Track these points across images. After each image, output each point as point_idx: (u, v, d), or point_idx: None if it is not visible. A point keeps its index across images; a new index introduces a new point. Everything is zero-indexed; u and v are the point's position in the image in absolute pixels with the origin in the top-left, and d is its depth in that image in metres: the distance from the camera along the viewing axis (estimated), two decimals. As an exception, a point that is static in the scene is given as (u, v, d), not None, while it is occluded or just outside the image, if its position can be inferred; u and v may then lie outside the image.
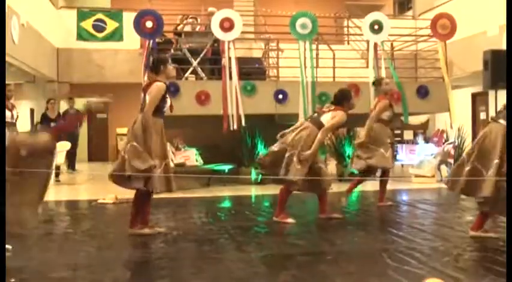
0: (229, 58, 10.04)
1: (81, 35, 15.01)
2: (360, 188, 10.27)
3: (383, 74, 10.61)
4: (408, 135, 15.51)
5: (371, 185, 9.92)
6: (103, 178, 7.18)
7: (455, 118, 11.01)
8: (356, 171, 11.14)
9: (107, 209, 7.89)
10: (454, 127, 11.26)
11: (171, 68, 5.88)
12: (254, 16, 15.09)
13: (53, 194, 10.10)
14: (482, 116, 16.39)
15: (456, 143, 11.52)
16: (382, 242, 5.41)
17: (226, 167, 10.85)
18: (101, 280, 4.16)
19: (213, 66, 11.02)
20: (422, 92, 11.25)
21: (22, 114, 13.04)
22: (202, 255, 4.91)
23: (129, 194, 8.71)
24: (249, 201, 9.05)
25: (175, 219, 6.73)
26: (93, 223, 6.81)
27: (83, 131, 19.87)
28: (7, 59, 10.82)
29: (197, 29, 11.61)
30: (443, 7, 14.00)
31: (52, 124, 12.33)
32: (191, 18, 11.62)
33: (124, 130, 18.40)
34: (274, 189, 9.87)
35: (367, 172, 7.85)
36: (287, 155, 6.21)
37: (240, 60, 10.57)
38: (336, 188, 10.55)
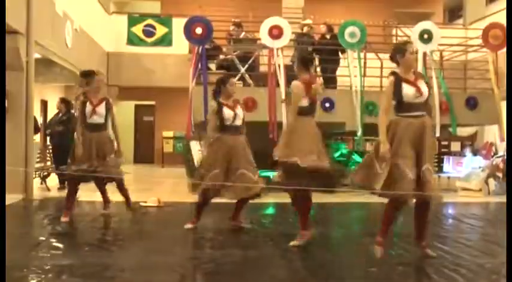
0: (278, 65, 10.10)
1: (131, 40, 15.37)
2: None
3: (432, 83, 10.48)
4: (455, 146, 15.22)
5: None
6: (147, 180, 7.33)
7: (505, 131, 10.77)
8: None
9: (150, 212, 8.02)
10: (506, 140, 11.01)
11: (230, 88, 6.29)
12: (302, 24, 15.10)
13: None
14: (534, 128, 15.98)
15: (505, 157, 11.26)
16: (427, 256, 5.34)
17: (271, 174, 10.88)
18: (150, 281, 4.28)
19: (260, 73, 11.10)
20: (471, 103, 11.06)
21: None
22: (247, 261, 4.97)
23: (167, 197, 8.89)
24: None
25: (222, 225, 6.81)
26: (139, 225, 6.95)
27: (130, 134, 20.26)
28: (60, 62, 11.18)
29: (241, 36, 11.70)
30: (495, 16, 13.73)
31: None
32: (233, 25, 11.69)
33: (170, 133, 18.69)
34: (319, 198, 9.86)
35: None
36: None
37: (288, 68, 10.61)
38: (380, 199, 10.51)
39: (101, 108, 6.88)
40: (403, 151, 4.80)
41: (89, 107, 6.81)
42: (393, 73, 5.05)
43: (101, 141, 6.85)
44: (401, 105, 4.93)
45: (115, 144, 7.12)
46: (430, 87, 5.09)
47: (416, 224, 5.15)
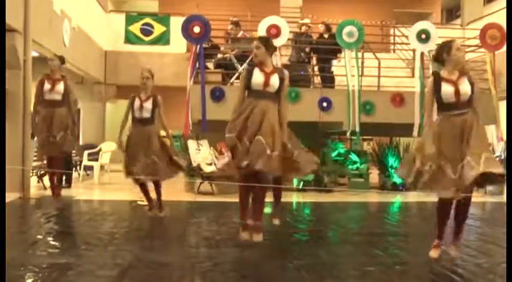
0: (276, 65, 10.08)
1: (129, 39, 15.34)
2: (400, 198, 10.23)
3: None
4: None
5: (413, 197, 9.84)
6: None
7: (503, 130, 10.80)
8: (399, 182, 11.09)
9: (147, 210, 8.01)
10: (504, 139, 11.03)
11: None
12: (300, 24, 15.13)
13: (98, 193, 10.37)
14: (531, 128, 15.99)
15: (503, 157, 11.28)
16: (424, 255, 5.34)
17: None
18: (148, 280, 4.27)
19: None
20: (469, 103, 11.05)
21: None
22: (244, 260, 4.97)
23: (164, 196, 8.89)
24: (290, 208, 9.06)
25: (218, 224, 6.82)
26: (135, 224, 6.96)
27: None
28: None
29: (239, 35, 11.71)
30: (493, 16, 13.75)
31: None
32: (231, 24, 11.70)
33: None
34: (315, 197, 9.89)
35: None
36: None
37: (286, 67, 10.61)
38: (377, 198, 10.55)
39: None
40: (445, 152, 4.75)
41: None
42: (433, 73, 5.05)
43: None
44: (442, 105, 4.90)
45: None
46: (472, 83, 4.95)
47: (454, 222, 5.07)
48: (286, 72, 5.46)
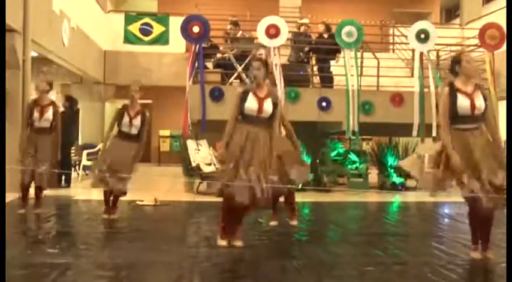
0: (275, 64, 10.09)
1: (128, 38, 15.34)
2: (399, 198, 10.23)
3: (429, 83, 10.55)
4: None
5: (412, 196, 9.85)
6: (143, 179, 7.32)
7: (502, 130, 10.79)
8: (398, 182, 11.09)
9: (147, 210, 8.03)
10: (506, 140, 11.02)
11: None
12: (299, 24, 15.13)
13: (97, 193, 10.34)
14: (530, 128, 15.98)
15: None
16: (423, 255, 5.36)
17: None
18: (147, 280, 4.26)
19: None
20: (468, 102, 11.05)
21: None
22: (243, 260, 4.96)
23: (164, 196, 8.89)
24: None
25: (217, 223, 6.79)
26: (134, 224, 6.94)
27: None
28: (58, 60, 11.16)
29: (238, 35, 11.72)
30: (492, 16, 13.75)
31: None
32: (230, 24, 11.71)
33: (167, 132, 18.66)
34: (314, 197, 9.89)
35: None
36: None
37: (285, 67, 10.62)
38: (376, 198, 10.56)
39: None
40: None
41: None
42: (449, 84, 5.06)
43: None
44: (455, 118, 4.93)
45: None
46: (486, 97, 5.00)
47: (480, 231, 5.26)
48: (278, 94, 5.52)
